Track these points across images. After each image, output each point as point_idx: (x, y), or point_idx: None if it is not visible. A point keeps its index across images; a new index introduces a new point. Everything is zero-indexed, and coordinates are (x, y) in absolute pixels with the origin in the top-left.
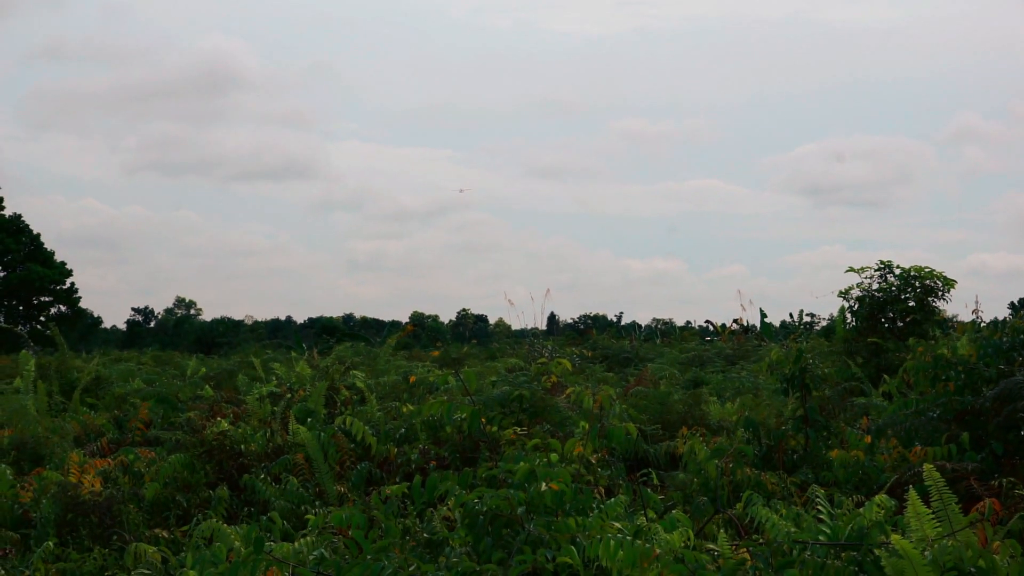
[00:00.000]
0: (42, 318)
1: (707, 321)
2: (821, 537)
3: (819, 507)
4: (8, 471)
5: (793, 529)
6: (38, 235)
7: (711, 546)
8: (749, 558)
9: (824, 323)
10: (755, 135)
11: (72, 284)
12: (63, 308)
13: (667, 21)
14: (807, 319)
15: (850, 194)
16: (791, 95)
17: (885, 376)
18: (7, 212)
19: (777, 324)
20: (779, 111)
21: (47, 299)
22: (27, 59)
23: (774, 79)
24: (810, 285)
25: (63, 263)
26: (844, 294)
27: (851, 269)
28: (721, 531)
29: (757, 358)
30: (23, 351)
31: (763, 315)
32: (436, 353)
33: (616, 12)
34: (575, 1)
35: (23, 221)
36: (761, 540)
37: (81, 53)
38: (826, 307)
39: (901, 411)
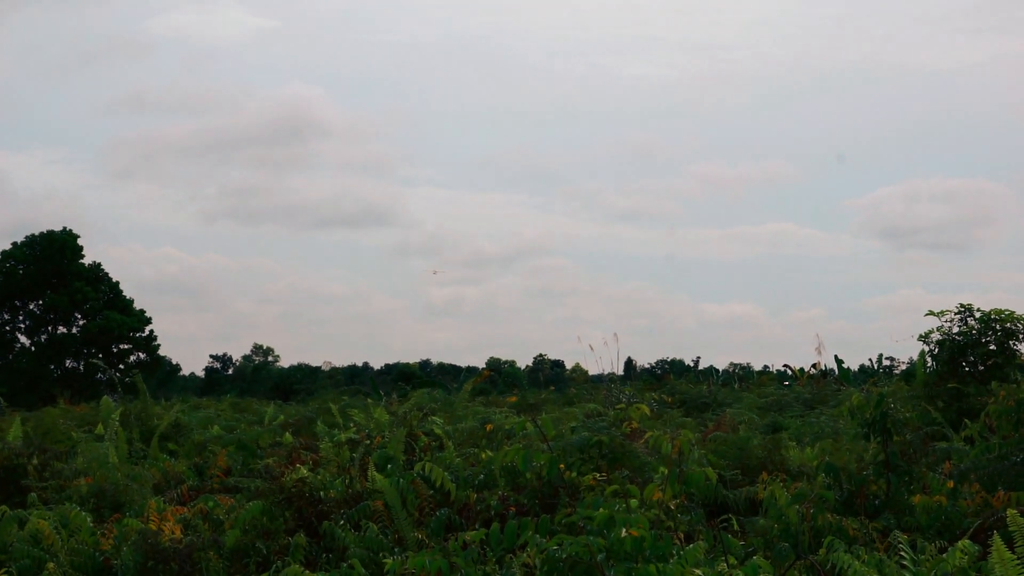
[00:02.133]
0: (121, 366)
1: (785, 365)
2: None
3: (902, 553)
4: (88, 518)
5: (876, 575)
6: (117, 283)
7: None
8: None
9: (903, 367)
10: (832, 178)
11: (151, 331)
12: (142, 355)
13: (741, 64)
14: (886, 363)
15: (929, 237)
16: (868, 137)
17: (966, 420)
18: (86, 260)
19: (855, 368)
20: (856, 153)
21: (126, 347)
22: (108, 108)
23: (850, 121)
24: (889, 329)
25: (142, 311)
26: (924, 338)
27: (931, 312)
28: None
29: (836, 403)
30: (103, 398)
31: (839, 361)
32: (513, 399)
33: (689, 56)
34: (647, 45)
35: (103, 269)
36: None
37: (161, 102)
38: (906, 351)
39: (984, 455)
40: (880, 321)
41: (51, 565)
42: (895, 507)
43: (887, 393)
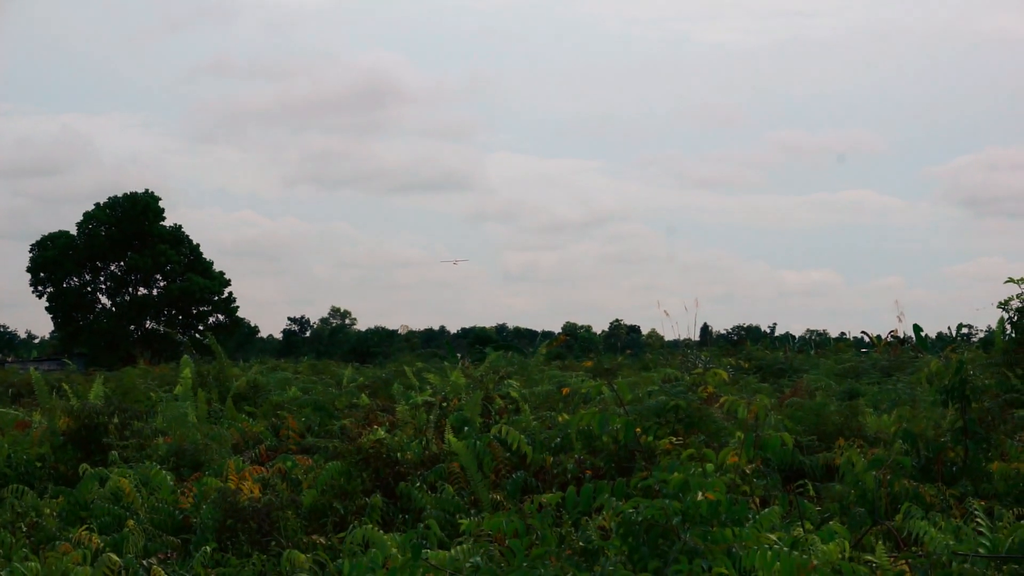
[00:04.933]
0: (201, 327)
1: (863, 332)
2: (981, 550)
3: (978, 520)
4: (168, 477)
5: (952, 542)
6: (198, 246)
7: (869, 558)
8: (908, 570)
9: (982, 335)
10: (912, 146)
11: (230, 294)
12: (221, 317)
13: (821, 30)
14: (964, 331)
15: (1010, 205)
16: (948, 105)
17: None
18: (168, 223)
19: (933, 336)
20: (937, 121)
21: (206, 309)
22: (191, 74)
23: (930, 89)
24: (968, 297)
25: (221, 273)
26: (1003, 305)
27: (1010, 280)
28: (879, 543)
29: (914, 370)
30: (183, 358)
31: (917, 329)
32: (589, 363)
33: (768, 22)
34: (726, 11)
35: (183, 232)
36: (920, 552)
37: (243, 68)
38: (985, 319)
39: None
40: (959, 289)
41: (131, 522)
42: (973, 474)
43: (966, 360)
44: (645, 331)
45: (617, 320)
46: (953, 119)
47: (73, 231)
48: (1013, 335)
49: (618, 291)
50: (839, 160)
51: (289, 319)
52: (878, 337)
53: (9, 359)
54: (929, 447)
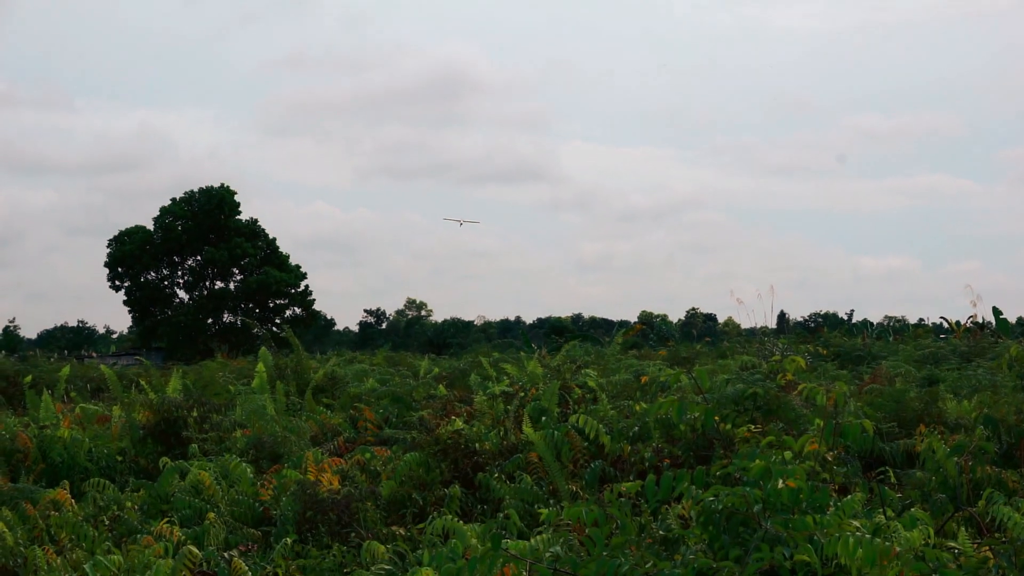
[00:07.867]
0: (278, 320)
1: (942, 318)
2: None
3: None
4: (248, 469)
5: None
6: (274, 239)
7: (952, 544)
8: (991, 556)
9: None
10: (988, 129)
11: (307, 287)
12: (298, 311)
13: (893, 13)
14: None
15: None
16: None
17: None
18: (243, 216)
19: (1013, 321)
20: (1011, 104)
21: (283, 302)
22: (266, 67)
23: (1006, 71)
24: None
25: (298, 266)
26: None
27: None
28: (962, 529)
29: (994, 355)
30: (262, 350)
31: (997, 313)
32: (664, 352)
33: (841, 6)
34: None
35: (259, 225)
36: (1003, 539)
37: (319, 61)
38: None
39: None
40: None
41: (212, 515)
42: None
43: None
44: (722, 319)
45: (693, 308)
46: None
47: (150, 226)
48: None
49: (693, 279)
50: (839, 160)
51: (365, 311)
52: (957, 323)
53: (90, 354)
54: (1011, 432)
